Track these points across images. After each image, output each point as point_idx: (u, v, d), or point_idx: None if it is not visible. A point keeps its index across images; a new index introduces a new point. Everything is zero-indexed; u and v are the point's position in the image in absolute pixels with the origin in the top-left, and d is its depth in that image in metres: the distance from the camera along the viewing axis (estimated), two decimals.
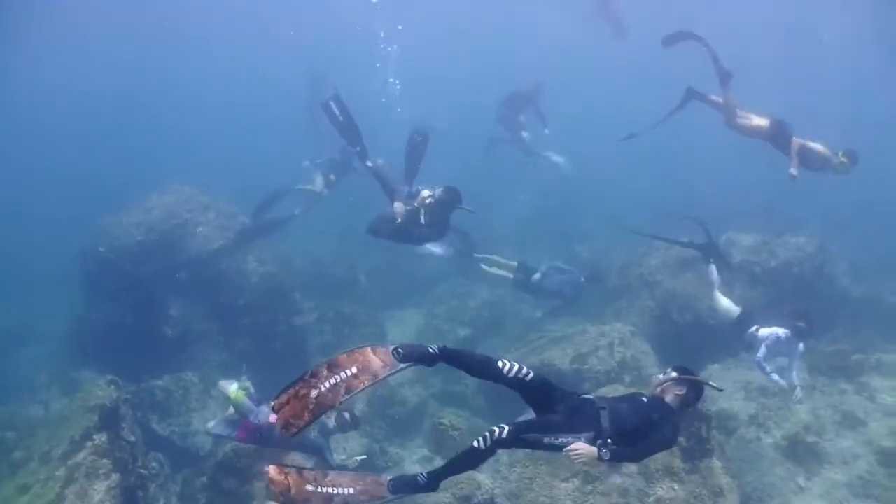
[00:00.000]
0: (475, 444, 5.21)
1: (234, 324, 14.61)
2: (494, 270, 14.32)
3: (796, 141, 9.88)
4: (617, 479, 7.04)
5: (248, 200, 16.07)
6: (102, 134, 33.89)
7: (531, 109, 17.14)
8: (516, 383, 5.38)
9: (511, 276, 14.23)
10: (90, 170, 28.67)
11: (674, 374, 5.59)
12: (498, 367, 5.37)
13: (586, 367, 11.95)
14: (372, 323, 16.11)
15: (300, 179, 15.75)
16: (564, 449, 5.12)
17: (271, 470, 5.80)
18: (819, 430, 9.87)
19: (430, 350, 5.33)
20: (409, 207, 9.67)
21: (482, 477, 9.52)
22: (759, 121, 10.42)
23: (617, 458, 5.18)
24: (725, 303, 10.88)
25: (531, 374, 5.39)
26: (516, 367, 5.37)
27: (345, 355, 5.36)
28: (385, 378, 5.30)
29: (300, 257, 17.82)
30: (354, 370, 5.25)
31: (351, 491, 5.68)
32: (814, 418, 10.10)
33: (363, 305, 16.83)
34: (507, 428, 5.18)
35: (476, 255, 14.67)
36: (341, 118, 10.85)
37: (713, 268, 11.40)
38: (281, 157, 19.93)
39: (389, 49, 21.96)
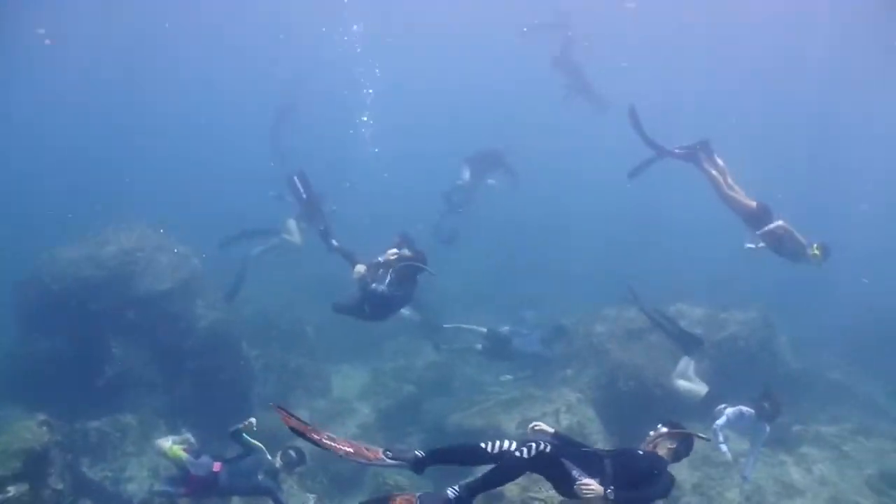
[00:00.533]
0: (520, 453, 5.43)
1: (177, 368, 14.25)
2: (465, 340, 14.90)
3: (781, 224, 10.05)
4: None
5: (211, 233, 15.80)
6: (61, 156, 32.80)
7: (500, 170, 17.26)
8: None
9: (479, 344, 14.64)
10: (38, 197, 27.57)
11: (664, 430, 6.03)
12: (482, 448, 5.64)
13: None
14: (318, 376, 16.00)
15: (273, 214, 15.55)
16: (577, 484, 5.42)
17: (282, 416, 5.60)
18: (760, 501, 9.97)
19: (418, 455, 5.72)
20: (371, 268, 9.57)
21: None
22: (747, 200, 10.52)
23: (619, 502, 5.41)
24: (692, 387, 10.98)
25: (514, 445, 5.56)
26: (499, 443, 5.61)
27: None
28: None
29: (249, 305, 17.53)
30: (350, 449, 5.69)
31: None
32: (755, 489, 10.20)
33: (310, 358, 16.70)
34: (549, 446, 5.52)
35: (445, 325, 14.91)
36: (304, 195, 10.89)
37: (687, 360, 11.54)
38: (248, 189, 19.81)
39: (366, 91, 22.18)
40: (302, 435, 5.57)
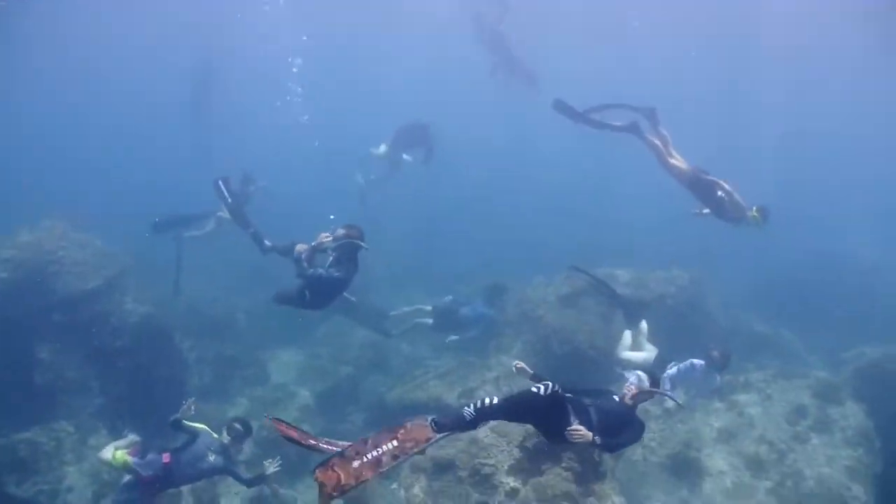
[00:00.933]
0: (536, 389, 5.91)
1: (110, 368, 13.79)
2: (414, 320, 14.96)
3: (724, 185, 10.27)
4: None
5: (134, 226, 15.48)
6: None
7: (421, 148, 17.07)
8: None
9: (429, 320, 14.75)
10: None
11: (648, 387, 6.61)
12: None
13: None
14: (254, 364, 15.82)
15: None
16: (568, 428, 6.00)
17: (318, 474, 5.67)
18: (698, 447, 10.50)
19: (466, 415, 5.79)
20: (308, 252, 9.35)
21: None
22: (687, 167, 10.74)
23: (604, 447, 6.38)
24: (640, 355, 11.27)
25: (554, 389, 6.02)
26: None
27: (385, 431, 5.82)
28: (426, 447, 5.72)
29: (179, 297, 17.09)
30: (395, 443, 5.69)
31: (395, 444, 5.69)
32: (693, 436, 10.73)
33: (244, 346, 16.53)
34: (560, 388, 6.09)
35: (392, 313, 15.26)
36: (229, 199, 10.67)
37: (629, 332, 11.84)
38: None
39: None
40: (299, 444, 5.62)
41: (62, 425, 12.27)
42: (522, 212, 25.40)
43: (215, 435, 8.67)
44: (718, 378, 9.81)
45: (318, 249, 9.29)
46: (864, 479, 10.68)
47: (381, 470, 5.62)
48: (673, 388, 9.73)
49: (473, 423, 5.96)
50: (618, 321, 13.12)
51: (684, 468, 10.33)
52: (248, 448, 12.52)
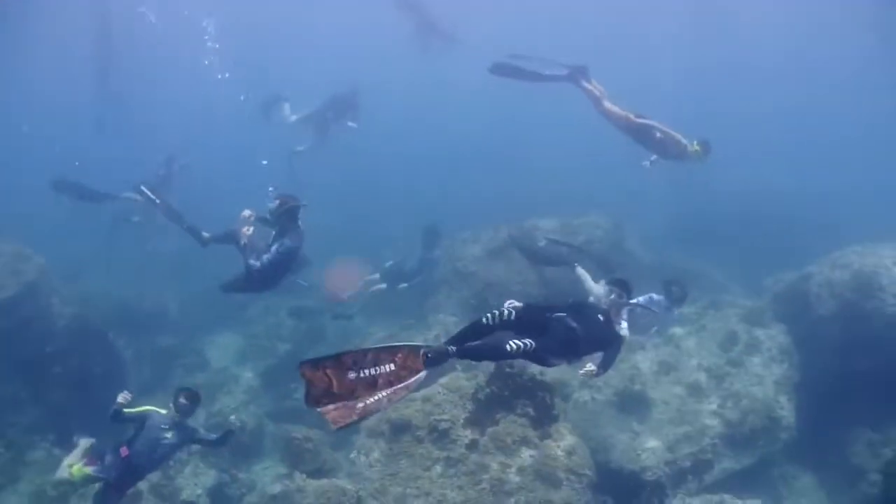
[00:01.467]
0: (488, 316, 5.59)
1: (42, 376, 13.22)
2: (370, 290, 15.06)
3: (657, 126, 10.40)
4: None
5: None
6: None
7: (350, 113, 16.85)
8: (511, 325, 5.68)
9: (383, 285, 14.92)
10: None
11: (627, 301, 6.81)
12: (483, 323, 5.64)
13: None
14: (192, 352, 15.62)
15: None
16: (581, 371, 6.43)
17: (306, 370, 5.03)
18: (642, 381, 10.96)
19: (449, 350, 5.41)
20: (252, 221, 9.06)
21: (344, 483, 9.63)
22: (624, 112, 10.75)
23: (603, 372, 6.54)
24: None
25: (513, 313, 5.66)
26: (499, 312, 5.64)
27: (385, 351, 5.31)
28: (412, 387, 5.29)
29: (100, 296, 16.64)
30: (392, 367, 5.19)
31: (393, 367, 5.27)
32: (636, 372, 11.18)
33: (179, 336, 16.27)
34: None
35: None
36: (158, 201, 10.34)
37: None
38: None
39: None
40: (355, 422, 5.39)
41: None
42: (445, 168, 25.48)
43: (163, 411, 8.21)
44: (676, 312, 10.11)
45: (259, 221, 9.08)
46: (787, 390, 11.46)
47: (373, 395, 5.12)
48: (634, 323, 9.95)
49: (459, 354, 5.85)
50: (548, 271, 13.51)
51: (631, 403, 10.76)
52: (201, 420, 12.44)
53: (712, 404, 10.94)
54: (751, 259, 16.75)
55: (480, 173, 24.35)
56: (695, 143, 10.28)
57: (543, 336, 5.67)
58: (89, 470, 8.07)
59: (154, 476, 10.04)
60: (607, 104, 10.73)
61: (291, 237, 8.85)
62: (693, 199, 19.63)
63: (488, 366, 9.61)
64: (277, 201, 8.86)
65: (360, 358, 5.19)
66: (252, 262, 8.77)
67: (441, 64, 21.60)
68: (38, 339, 13.42)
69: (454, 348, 5.38)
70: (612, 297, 6.72)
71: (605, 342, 6.46)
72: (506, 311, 5.64)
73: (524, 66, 10.98)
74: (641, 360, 11.46)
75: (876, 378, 11.04)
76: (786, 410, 11.10)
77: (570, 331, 5.93)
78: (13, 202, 21.90)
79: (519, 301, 5.78)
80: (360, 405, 5.07)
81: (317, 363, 5.14)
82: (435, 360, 5.32)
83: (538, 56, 10.96)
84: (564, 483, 8.64)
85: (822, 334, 12.04)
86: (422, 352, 5.32)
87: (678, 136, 10.28)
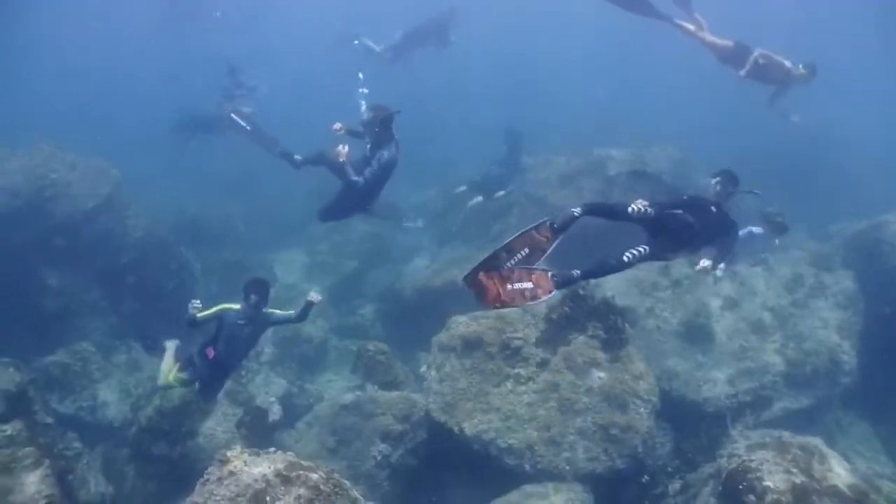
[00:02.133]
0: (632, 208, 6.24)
1: (118, 286, 13.92)
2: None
3: (761, 53, 10.36)
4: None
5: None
6: None
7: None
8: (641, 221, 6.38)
9: (479, 198, 15.29)
10: None
11: (732, 190, 7.01)
12: (628, 212, 6.30)
13: None
14: (260, 267, 16.03)
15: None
16: (697, 267, 6.73)
17: (482, 278, 6.03)
18: (707, 314, 11.12)
19: (575, 213, 6.20)
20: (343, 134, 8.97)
21: (416, 396, 10.04)
22: (724, 41, 10.82)
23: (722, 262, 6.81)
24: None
25: (651, 210, 6.28)
26: (639, 207, 6.26)
27: (517, 238, 6.26)
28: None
29: (168, 211, 17.19)
30: (527, 250, 6.19)
31: (530, 285, 6.15)
32: (701, 305, 11.33)
33: (246, 251, 16.73)
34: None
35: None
36: (248, 127, 10.40)
37: None
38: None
39: None
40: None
41: (83, 346, 12.29)
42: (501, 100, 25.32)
43: (235, 306, 8.42)
44: (777, 241, 10.15)
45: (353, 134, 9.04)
46: (851, 336, 11.51)
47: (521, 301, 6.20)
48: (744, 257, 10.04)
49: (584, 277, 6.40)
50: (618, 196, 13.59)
51: (695, 334, 10.92)
52: (269, 349, 12.97)
53: (775, 343, 11.07)
54: (817, 204, 16.61)
55: (541, 106, 24.13)
56: (801, 65, 10.25)
57: (662, 234, 6.31)
58: (184, 375, 8.65)
59: (228, 383, 10.54)
60: (706, 35, 10.68)
61: (388, 149, 8.82)
62: (760, 139, 19.30)
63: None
64: (371, 112, 8.84)
65: (503, 253, 6.15)
66: (355, 178, 8.77)
67: None
68: (114, 251, 14.13)
69: (579, 210, 6.25)
70: (719, 188, 6.97)
71: (722, 232, 6.81)
72: (643, 208, 6.21)
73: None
74: (707, 295, 11.57)
75: None
76: (848, 356, 11.17)
77: (687, 227, 6.43)
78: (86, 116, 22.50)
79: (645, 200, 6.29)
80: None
81: (475, 274, 6.08)
82: (561, 226, 6.23)
83: None
84: (630, 407, 8.90)
85: (891, 284, 12.03)
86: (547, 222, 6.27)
87: (782, 59, 10.27)
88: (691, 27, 10.86)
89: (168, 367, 8.94)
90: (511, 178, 15.18)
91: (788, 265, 12.44)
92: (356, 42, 17.18)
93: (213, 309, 8.39)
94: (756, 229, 9.97)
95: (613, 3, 11.26)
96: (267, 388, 11.82)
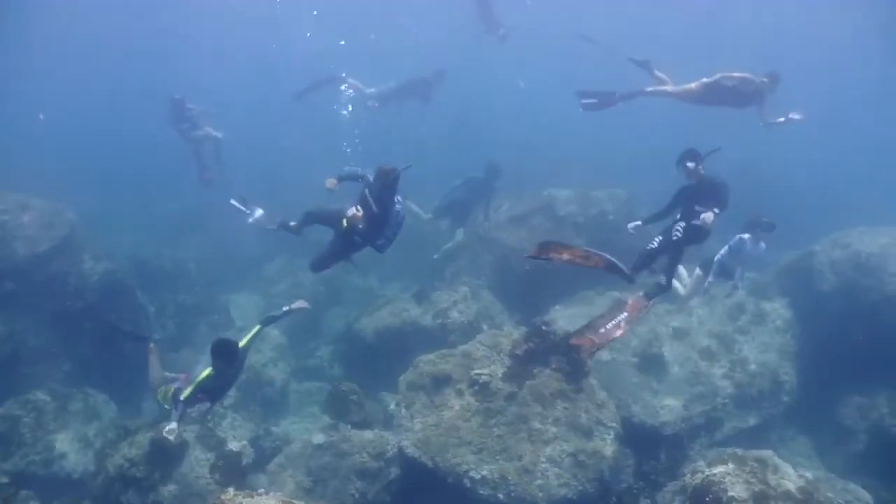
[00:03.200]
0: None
1: (74, 331, 13.72)
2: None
3: (726, 75, 10.86)
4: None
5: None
6: None
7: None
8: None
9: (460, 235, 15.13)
10: None
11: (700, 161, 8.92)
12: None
13: (449, 320, 13.10)
14: (216, 309, 16.14)
15: None
16: (701, 218, 8.43)
17: (574, 341, 8.54)
18: (659, 344, 11.77)
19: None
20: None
21: (388, 434, 10.37)
22: (691, 86, 11.33)
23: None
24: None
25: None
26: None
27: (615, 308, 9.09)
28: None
29: (123, 252, 17.12)
30: (625, 314, 8.83)
31: (626, 315, 8.55)
32: (653, 335, 11.99)
33: (199, 294, 16.76)
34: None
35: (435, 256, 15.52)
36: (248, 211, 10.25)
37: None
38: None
39: None
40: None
41: (36, 395, 12.04)
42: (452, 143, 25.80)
43: (206, 372, 8.45)
44: (763, 245, 10.59)
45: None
46: (790, 358, 12.44)
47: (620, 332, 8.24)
48: (732, 268, 10.53)
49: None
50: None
51: (649, 364, 11.54)
52: (232, 392, 12.98)
53: (723, 368, 11.80)
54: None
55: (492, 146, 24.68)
56: (762, 76, 10.79)
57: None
58: (171, 391, 8.79)
59: (196, 428, 10.69)
60: (672, 93, 11.36)
61: (398, 204, 8.85)
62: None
63: (529, 325, 10.49)
64: (378, 172, 8.73)
65: (600, 321, 9.15)
66: (381, 242, 8.89)
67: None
68: (71, 295, 13.90)
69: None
70: (691, 167, 8.99)
71: (718, 192, 8.79)
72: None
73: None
74: (658, 325, 12.27)
75: (868, 349, 12.07)
76: (788, 376, 12.07)
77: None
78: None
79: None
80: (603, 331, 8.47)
81: (579, 334, 8.75)
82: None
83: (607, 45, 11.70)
84: (595, 434, 9.43)
85: (822, 308, 12.95)
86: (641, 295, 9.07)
87: (746, 75, 10.80)
88: (663, 88, 11.53)
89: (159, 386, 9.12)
90: (475, 205, 14.99)
91: (730, 295, 13.23)
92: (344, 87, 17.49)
93: (192, 387, 8.47)
94: (744, 235, 10.50)
95: (587, 109, 12.01)
96: (234, 431, 11.88)
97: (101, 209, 19.20)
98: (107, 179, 17.30)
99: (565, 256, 8.40)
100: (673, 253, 9.11)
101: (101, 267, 14.39)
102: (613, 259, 8.43)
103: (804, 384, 12.31)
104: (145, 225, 19.84)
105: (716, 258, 10.48)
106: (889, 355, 11.88)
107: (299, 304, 9.61)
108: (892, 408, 11.70)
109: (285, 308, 9.77)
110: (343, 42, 20.96)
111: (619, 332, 8.24)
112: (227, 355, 8.28)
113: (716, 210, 8.47)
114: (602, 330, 8.02)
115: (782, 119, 11.06)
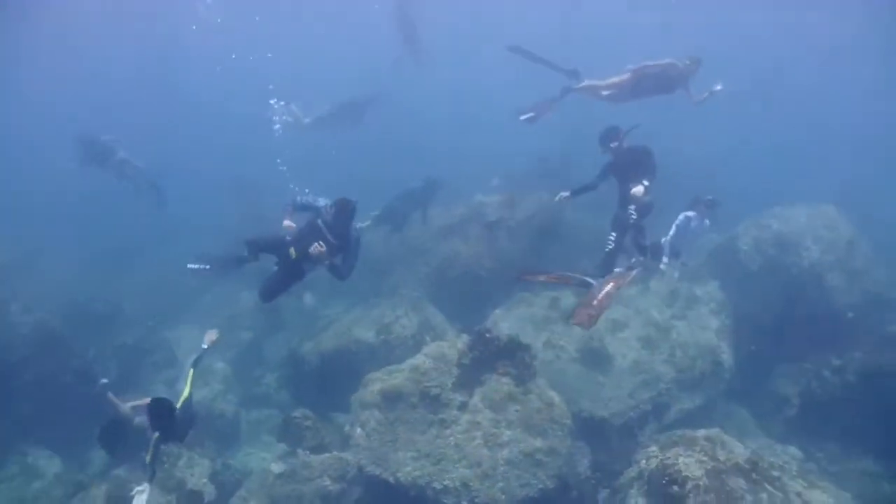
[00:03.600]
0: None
1: (9, 386, 12.99)
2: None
3: (649, 64, 11.02)
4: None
5: None
6: None
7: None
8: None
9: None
10: None
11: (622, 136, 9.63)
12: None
13: (392, 335, 13.18)
14: (157, 347, 15.82)
15: None
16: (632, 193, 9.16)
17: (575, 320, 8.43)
18: (600, 338, 12.07)
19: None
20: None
21: (346, 455, 10.40)
22: (616, 79, 11.38)
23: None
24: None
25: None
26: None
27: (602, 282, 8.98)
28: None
29: (55, 296, 16.58)
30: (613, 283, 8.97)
31: (613, 283, 8.80)
32: (592, 330, 12.21)
33: (140, 332, 16.37)
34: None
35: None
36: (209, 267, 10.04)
37: None
38: None
39: None
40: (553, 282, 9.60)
41: None
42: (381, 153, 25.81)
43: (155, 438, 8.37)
44: (708, 223, 10.99)
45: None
46: (726, 336, 12.96)
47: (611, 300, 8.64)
48: (680, 244, 10.71)
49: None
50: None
51: (593, 358, 11.83)
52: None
53: (664, 354, 12.17)
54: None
55: (414, 154, 24.85)
56: (685, 59, 11.05)
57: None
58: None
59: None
60: (602, 87, 11.56)
61: (355, 231, 9.04)
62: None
63: (471, 333, 10.67)
64: (333, 205, 8.82)
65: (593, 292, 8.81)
66: (342, 271, 8.96)
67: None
68: (1, 350, 13.21)
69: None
70: (615, 145, 9.72)
71: (641, 160, 9.41)
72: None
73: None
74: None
75: (795, 320, 12.90)
76: (727, 355, 12.52)
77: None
78: None
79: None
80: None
81: (578, 310, 8.55)
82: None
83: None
84: (549, 432, 9.65)
85: (750, 286, 13.64)
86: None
87: (669, 60, 11.03)
88: (593, 83, 11.68)
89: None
90: (412, 214, 14.97)
91: (664, 282, 13.70)
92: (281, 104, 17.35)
93: (151, 451, 8.34)
94: (689, 213, 10.79)
95: (530, 123, 12.21)
96: (192, 470, 11.69)
97: (33, 247, 18.63)
98: (39, 215, 16.65)
99: (541, 279, 9.87)
100: (634, 234, 9.56)
101: (31, 318, 13.78)
102: (582, 276, 9.23)
103: (741, 360, 12.83)
104: (81, 261, 19.23)
105: (664, 241, 10.63)
106: (813, 322, 12.68)
107: (211, 335, 9.62)
108: (818, 371, 12.25)
109: (204, 346, 9.80)
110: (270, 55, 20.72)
111: (610, 299, 8.62)
112: (165, 416, 8.15)
113: (645, 182, 8.95)
114: (595, 302, 8.42)
115: (707, 94, 11.29)
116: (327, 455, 10.61)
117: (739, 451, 8.55)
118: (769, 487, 7.89)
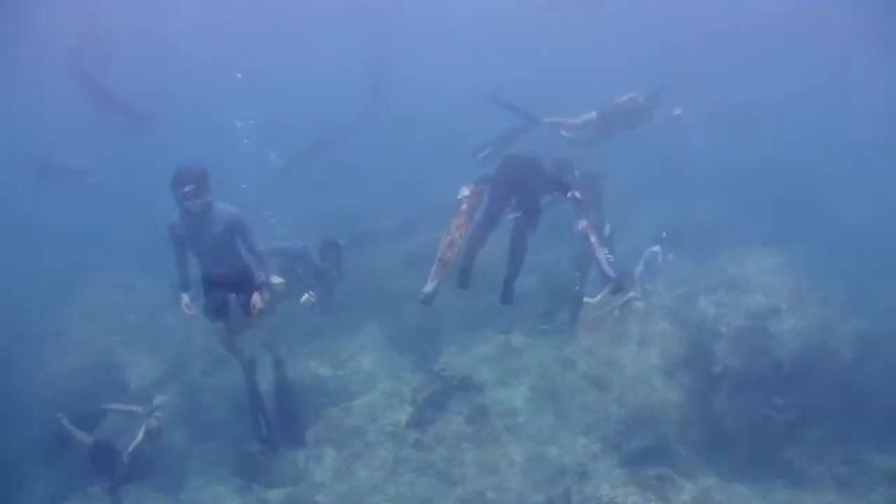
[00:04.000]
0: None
1: None
2: None
3: (616, 102, 11.39)
4: None
5: None
6: None
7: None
8: None
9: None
10: None
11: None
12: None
13: (349, 371, 13.25)
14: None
15: None
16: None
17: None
18: (550, 377, 12.24)
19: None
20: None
21: (302, 490, 10.43)
22: (587, 117, 11.81)
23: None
24: None
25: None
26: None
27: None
28: None
29: None
30: None
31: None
32: (543, 369, 12.45)
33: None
34: None
35: None
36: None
37: None
38: None
39: None
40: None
41: None
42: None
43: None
44: (671, 256, 11.48)
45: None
46: (679, 375, 12.93)
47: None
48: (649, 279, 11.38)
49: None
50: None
51: (543, 397, 12.01)
52: None
53: (613, 393, 12.37)
54: None
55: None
56: (644, 94, 11.46)
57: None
58: None
59: None
60: (566, 125, 11.94)
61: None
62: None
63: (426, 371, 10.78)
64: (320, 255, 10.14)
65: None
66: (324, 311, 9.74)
67: None
68: None
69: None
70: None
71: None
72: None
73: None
74: (547, 359, 12.73)
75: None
76: (676, 394, 12.70)
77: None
78: None
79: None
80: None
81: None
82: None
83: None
84: (501, 470, 9.84)
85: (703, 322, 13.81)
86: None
87: (631, 95, 11.44)
88: (562, 119, 12.03)
89: None
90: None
91: (615, 322, 13.95)
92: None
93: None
94: (654, 249, 11.14)
95: (486, 161, 12.44)
96: None
97: None
98: None
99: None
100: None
101: None
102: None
103: (694, 398, 13.00)
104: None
105: (635, 275, 11.32)
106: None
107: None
108: (766, 410, 12.46)
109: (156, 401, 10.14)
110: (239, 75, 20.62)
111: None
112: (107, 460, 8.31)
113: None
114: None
115: (671, 122, 11.77)
116: (284, 490, 10.58)
117: (688, 490, 8.96)
118: None
